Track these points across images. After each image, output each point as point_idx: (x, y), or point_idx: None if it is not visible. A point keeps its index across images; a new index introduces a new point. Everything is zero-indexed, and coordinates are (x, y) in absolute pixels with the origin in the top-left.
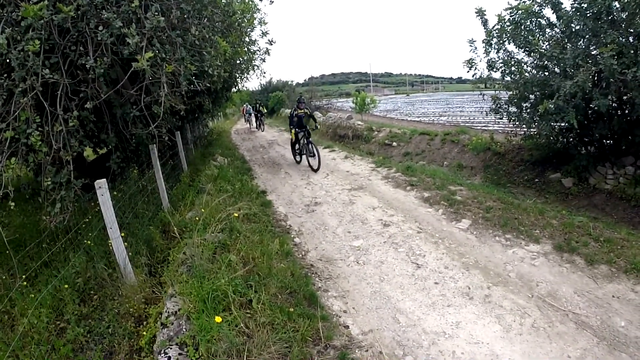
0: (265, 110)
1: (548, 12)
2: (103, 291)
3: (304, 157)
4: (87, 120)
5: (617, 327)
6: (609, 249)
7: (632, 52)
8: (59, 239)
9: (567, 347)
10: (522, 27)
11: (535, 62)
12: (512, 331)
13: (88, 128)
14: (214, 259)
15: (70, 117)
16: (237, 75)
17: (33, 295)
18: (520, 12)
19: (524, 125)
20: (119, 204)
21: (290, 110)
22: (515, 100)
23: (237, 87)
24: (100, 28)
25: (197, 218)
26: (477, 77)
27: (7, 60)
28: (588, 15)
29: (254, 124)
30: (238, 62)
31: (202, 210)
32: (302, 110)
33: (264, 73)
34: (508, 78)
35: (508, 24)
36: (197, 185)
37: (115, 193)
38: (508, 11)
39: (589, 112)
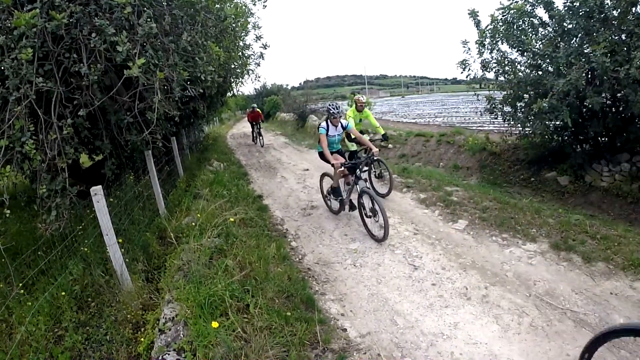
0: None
1: (540, 11)
2: (100, 298)
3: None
4: (81, 127)
5: (615, 324)
6: (606, 246)
7: (625, 49)
8: (55, 247)
9: (566, 345)
10: (515, 26)
11: (528, 61)
12: (510, 331)
13: (83, 135)
14: (211, 264)
15: (64, 125)
16: (232, 80)
17: (30, 303)
18: (512, 11)
19: (519, 125)
20: (115, 210)
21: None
22: (510, 100)
23: (232, 92)
24: (94, 35)
25: (193, 223)
26: (471, 77)
27: (1, 68)
28: (580, 13)
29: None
30: (232, 66)
31: (199, 215)
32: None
33: (259, 77)
34: (502, 78)
35: (501, 24)
36: (193, 190)
37: (111, 199)
38: (500, 11)
39: (583, 110)
